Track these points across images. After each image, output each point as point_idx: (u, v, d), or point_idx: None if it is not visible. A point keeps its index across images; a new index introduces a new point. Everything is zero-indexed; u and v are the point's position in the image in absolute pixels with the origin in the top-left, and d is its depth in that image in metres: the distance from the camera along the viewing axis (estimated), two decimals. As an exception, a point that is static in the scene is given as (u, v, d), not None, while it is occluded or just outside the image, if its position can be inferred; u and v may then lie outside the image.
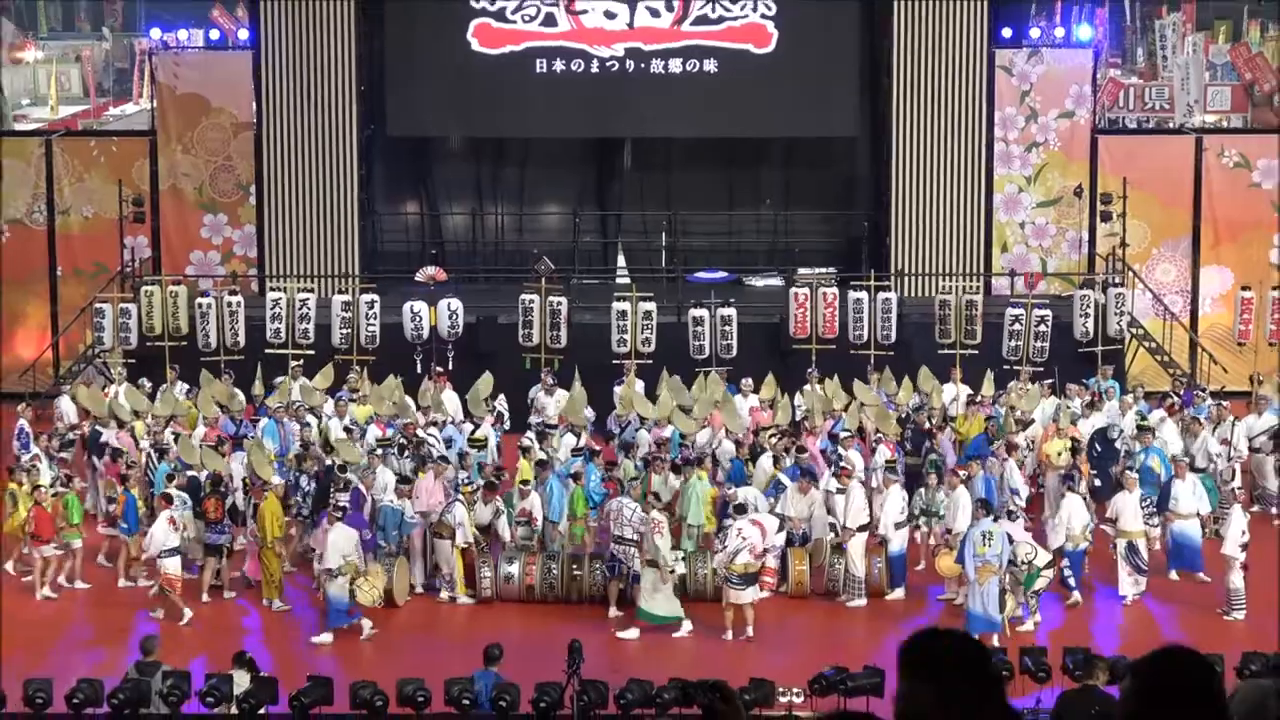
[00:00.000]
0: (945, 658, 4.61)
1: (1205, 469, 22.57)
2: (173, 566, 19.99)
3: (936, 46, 29.85)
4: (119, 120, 45.68)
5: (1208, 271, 30.44)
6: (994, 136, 30.19)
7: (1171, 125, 36.83)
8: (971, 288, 28.40)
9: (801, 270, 29.38)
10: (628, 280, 30.01)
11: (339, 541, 19.32)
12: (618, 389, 25.14)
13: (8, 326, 30.54)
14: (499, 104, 30.44)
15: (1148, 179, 29.95)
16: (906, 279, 29.71)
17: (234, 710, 15.74)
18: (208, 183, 30.65)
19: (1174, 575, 21.03)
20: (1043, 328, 26.86)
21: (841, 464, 21.38)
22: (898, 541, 20.60)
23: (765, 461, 21.78)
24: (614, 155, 32.40)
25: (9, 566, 21.53)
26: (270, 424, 23.51)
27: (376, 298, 27.67)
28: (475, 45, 30.46)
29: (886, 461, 21.57)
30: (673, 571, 19.31)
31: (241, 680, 16.03)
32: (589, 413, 24.14)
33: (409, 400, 24.26)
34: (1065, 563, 20.14)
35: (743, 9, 30.38)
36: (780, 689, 16.02)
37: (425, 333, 27.34)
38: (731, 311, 27.12)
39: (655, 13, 30.36)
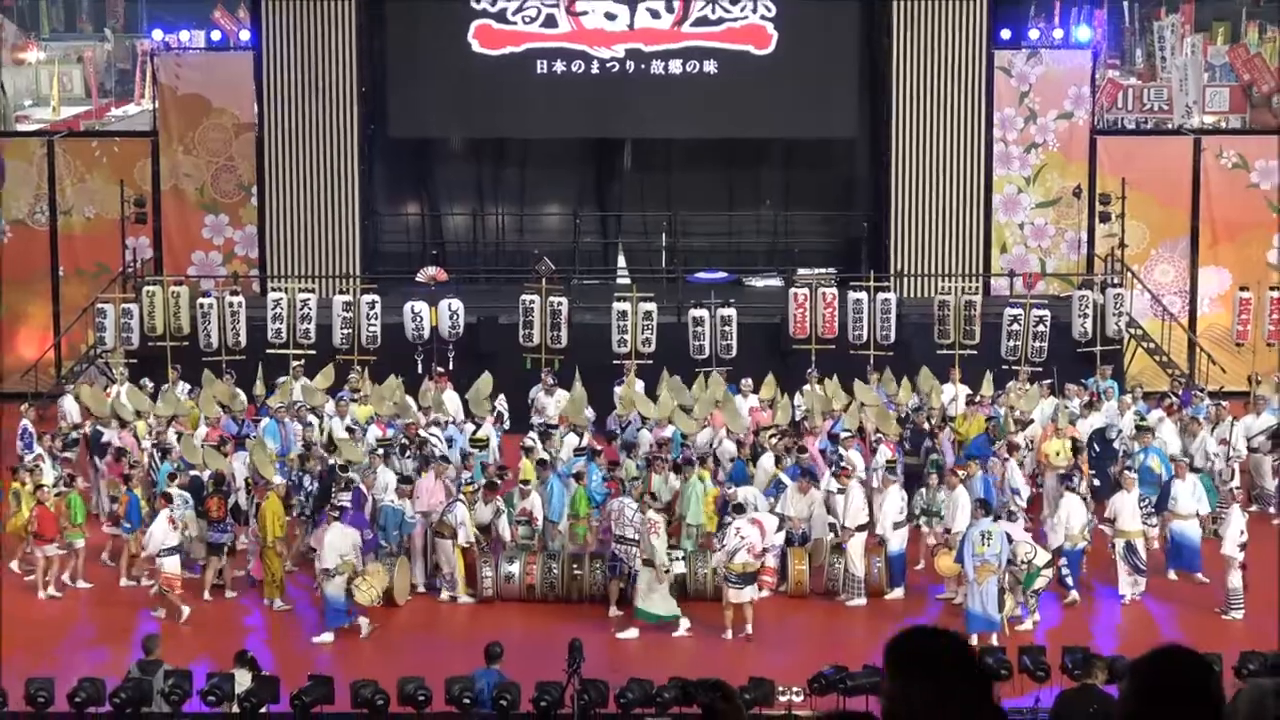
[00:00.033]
0: (931, 657, 4.61)
1: (1203, 469, 22.63)
2: (171, 565, 20.01)
3: (936, 47, 29.90)
4: (121, 121, 45.79)
5: (1206, 272, 30.48)
6: (993, 137, 30.23)
7: (1170, 126, 36.91)
8: (971, 288, 28.47)
9: (801, 271, 29.41)
10: (628, 280, 30.04)
11: (336, 541, 19.36)
12: (618, 389, 25.18)
13: (10, 326, 30.60)
14: (499, 105, 30.48)
15: (1146, 180, 29.98)
16: (906, 279, 29.75)
17: (235, 709, 15.75)
18: (209, 183, 30.70)
19: (1172, 575, 21.07)
20: (1041, 328, 26.91)
21: (841, 464, 21.44)
22: (897, 541, 20.65)
23: (767, 461, 21.82)
24: (614, 156, 32.42)
25: (13, 565, 21.57)
26: (271, 424, 23.53)
27: (377, 298, 27.71)
28: (476, 46, 30.51)
29: (886, 461, 21.61)
30: (668, 571, 19.35)
31: (243, 679, 16.05)
32: (589, 413, 24.18)
33: (410, 400, 24.31)
34: (1063, 562, 20.19)
35: (742, 10, 30.42)
36: (780, 688, 16.05)
37: (426, 333, 27.38)
38: (731, 312, 27.17)
39: (655, 14, 30.41)
